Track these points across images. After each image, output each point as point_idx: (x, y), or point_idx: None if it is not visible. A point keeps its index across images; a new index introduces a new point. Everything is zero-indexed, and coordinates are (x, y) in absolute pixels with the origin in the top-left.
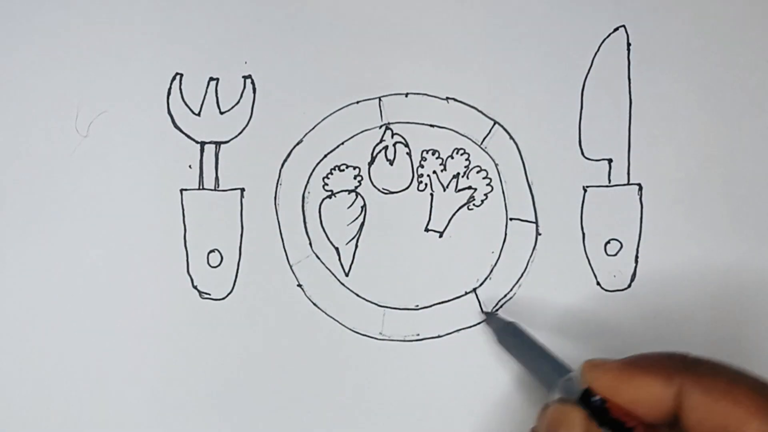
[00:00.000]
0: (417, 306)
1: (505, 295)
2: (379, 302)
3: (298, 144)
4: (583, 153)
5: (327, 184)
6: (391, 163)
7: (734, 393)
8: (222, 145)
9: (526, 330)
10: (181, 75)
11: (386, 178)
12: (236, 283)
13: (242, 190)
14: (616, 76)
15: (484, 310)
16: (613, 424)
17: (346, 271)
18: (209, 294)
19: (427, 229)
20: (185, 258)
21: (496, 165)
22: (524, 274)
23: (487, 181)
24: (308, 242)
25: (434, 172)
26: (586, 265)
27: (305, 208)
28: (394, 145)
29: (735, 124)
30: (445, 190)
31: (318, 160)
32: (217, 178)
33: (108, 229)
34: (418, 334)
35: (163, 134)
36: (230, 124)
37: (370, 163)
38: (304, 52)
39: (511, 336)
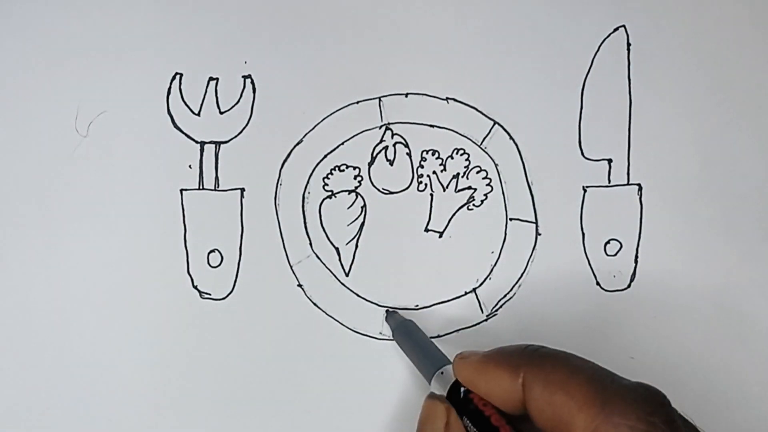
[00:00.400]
0: (417, 306)
1: (505, 295)
2: (379, 302)
3: (298, 144)
4: (583, 153)
5: (327, 185)
6: (391, 163)
7: (569, 386)
8: (222, 145)
9: (421, 329)
10: (181, 75)
11: (386, 178)
12: (236, 283)
13: (242, 190)
14: (616, 76)
15: (387, 308)
16: (473, 415)
17: (346, 271)
18: (209, 294)
19: (427, 229)
20: (185, 258)
21: (496, 165)
22: (524, 274)
23: (487, 181)
24: (308, 242)
25: (434, 172)
26: (586, 265)
27: (305, 208)
28: (394, 145)
29: (735, 124)
30: (445, 191)
31: (318, 160)
32: (217, 178)
33: (108, 229)
34: None
35: (163, 134)
36: (230, 124)
37: (370, 164)
38: (304, 52)
39: (403, 333)
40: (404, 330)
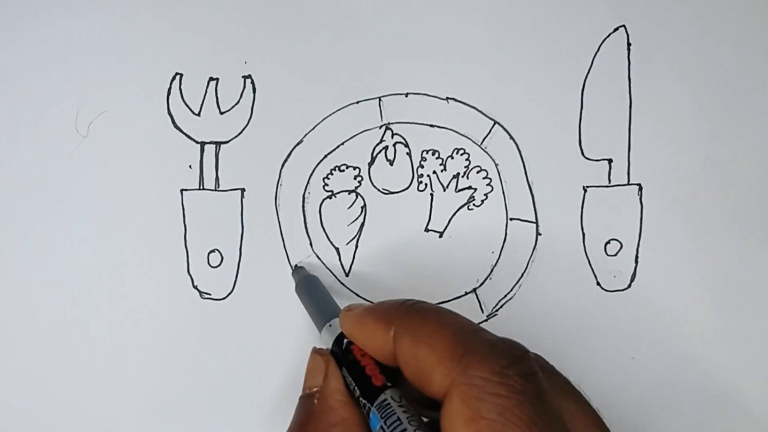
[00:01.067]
0: None
1: (505, 295)
2: None
3: (298, 144)
4: (583, 153)
5: (327, 185)
6: (391, 163)
7: (433, 339)
8: (222, 145)
9: (322, 284)
10: (181, 75)
11: (386, 178)
12: (236, 283)
13: (242, 190)
14: (616, 76)
15: (294, 263)
16: (351, 365)
17: (347, 271)
18: (209, 294)
19: (427, 230)
20: (185, 258)
21: (496, 165)
22: (524, 274)
23: (487, 181)
24: (309, 242)
25: (434, 172)
26: (586, 265)
27: (305, 209)
28: (394, 145)
29: (735, 124)
30: (445, 190)
31: (318, 161)
32: (217, 178)
33: (108, 229)
34: None
35: (163, 134)
36: (230, 124)
37: (370, 164)
38: (304, 52)
39: (304, 287)
40: (306, 284)
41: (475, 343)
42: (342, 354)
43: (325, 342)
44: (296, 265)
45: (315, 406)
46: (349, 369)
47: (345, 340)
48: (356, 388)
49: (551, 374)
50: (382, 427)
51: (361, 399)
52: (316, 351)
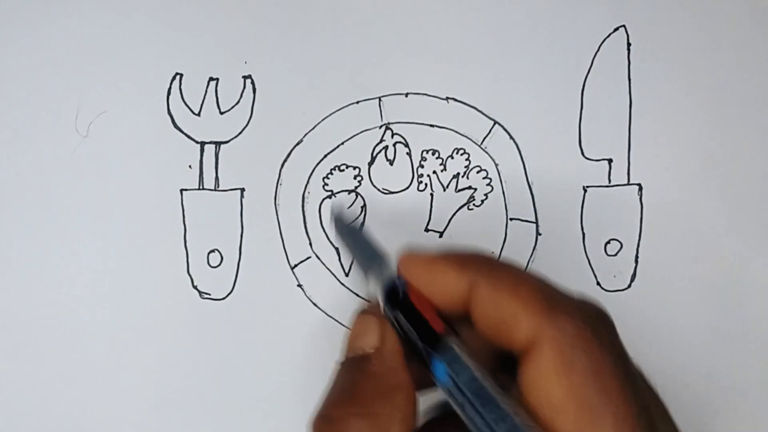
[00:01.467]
0: None
1: None
2: None
3: (298, 144)
4: (583, 153)
5: (327, 184)
6: (391, 163)
7: (517, 288)
8: (222, 145)
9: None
10: (181, 75)
11: (386, 178)
12: (236, 283)
13: (242, 190)
14: (616, 76)
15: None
16: (409, 312)
17: (346, 271)
18: (209, 294)
19: (427, 229)
20: (185, 258)
21: (496, 165)
22: None
23: (487, 181)
24: (308, 242)
25: (434, 172)
26: (586, 265)
27: (305, 208)
28: (394, 145)
29: (735, 124)
30: (445, 190)
31: (318, 160)
32: (217, 178)
33: (108, 229)
34: None
35: (163, 134)
36: (230, 124)
37: (370, 163)
38: (304, 52)
39: (348, 228)
40: (348, 226)
41: (561, 296)
42: (396, 301)
43: (372, 289)
44: (334, 201)
45: (373, 366)
46: (406, 315)
47: (401, 286)
48: (414, 334)
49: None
50: (450, 375)
51: (421, 344)
52: (365, 311)
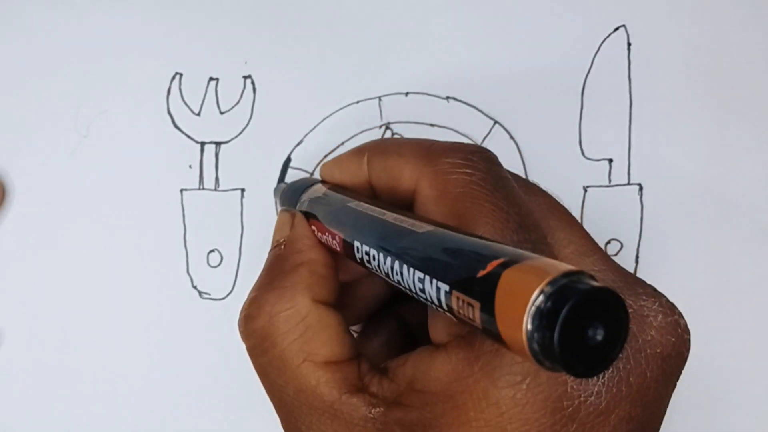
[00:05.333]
0: None
1: None
2: None
3: (298, 144)
4: (583, 153)
5: None
6: None
7: (400, 148)
8: (222, 145)
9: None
10: (181, 75)
11: None
12: (236, 283)
13: (242, 190)
14: (616, 76)
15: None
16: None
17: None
18: (209, 294)
19: None
20: (185, 258)
21: None
22: None
23: None
24: None
25: None
26: None
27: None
28: None
29: (735, 124)
30: None
31: (318, 161)
32: (217, 178)
33: (108, 229)
34: None
35: (163, 134)
36: (230, 124)
37: None
38: (304, 52)
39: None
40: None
41: (439, 143)
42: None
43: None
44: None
45: (281, 251)
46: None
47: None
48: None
49: (517, 175)
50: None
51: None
52: (284, 209)
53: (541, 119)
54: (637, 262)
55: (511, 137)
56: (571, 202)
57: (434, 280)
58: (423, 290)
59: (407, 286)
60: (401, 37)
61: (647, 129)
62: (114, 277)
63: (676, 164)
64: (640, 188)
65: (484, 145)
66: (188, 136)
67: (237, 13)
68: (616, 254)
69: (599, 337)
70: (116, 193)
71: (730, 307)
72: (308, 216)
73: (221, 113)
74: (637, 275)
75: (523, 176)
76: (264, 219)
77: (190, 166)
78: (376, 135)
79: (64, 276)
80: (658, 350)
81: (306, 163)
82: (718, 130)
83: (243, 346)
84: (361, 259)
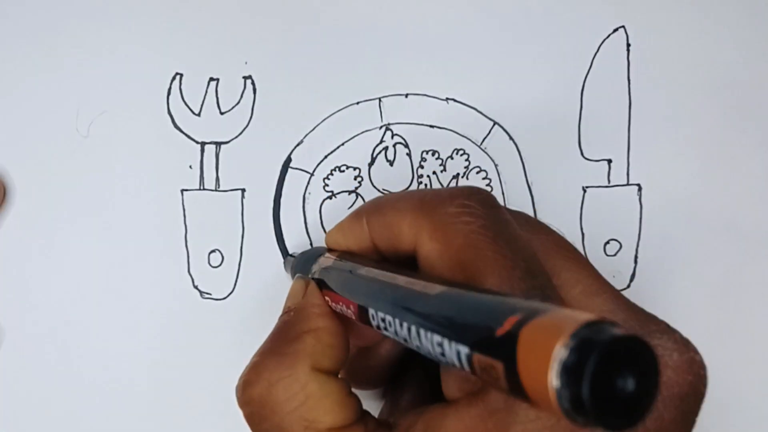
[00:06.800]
0: None
1: None
2: None
3: (298, 144)
4: (582, 153)
5: (327, 185)
6: (391, 163)
7: (397, 203)
8: (222, 146)
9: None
10: (181, 75)
11: (386, 178)
12: (237, 283)
13: (243, 190)
14: (616, 76)
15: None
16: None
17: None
18: (210, 294)
19: None
20: (186, 258)
21: (496, 165)
22: None
23: (487, 181)
24: (309, 242)
25: (434, 172)
26: None
27: (306, 209)
28: (394, 145)
29: (735, 125)
30: None
31: (318, 161)
32: (217, 178)
33: (108, 229)
34: None
35: (163, 134)
36: (230, 125)
37: (371, 164)
38: (304, 52)
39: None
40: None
41: (434, 192)
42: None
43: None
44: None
45: (289, 317)
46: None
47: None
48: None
49: (518, 213)
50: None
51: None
52: (298, 277)
53: (541, 120)
54: (636, 262)
55: (511, 138)
56: (570, 202)
57: (453, 343)
58: (443, 354)
59: (427, 350)
60: (401, 38)
61: (647, 129)
62: (115, 277)
63: (676, 164)
64: (639, 188)
65: (483, 145)
66: (188, 137)
67: (237, 13)
68: (615, 254)
69: (630, 387)
70: (116, 194)
71: (729, 307)
72: (322, 285)
73: (221, 113)
74: (636, 275)
75: (523, 177)
76: (264, 219)
77: (190, 167)
78: (376, 135)
79: (64, 276)
80: (675, 390)
81: (306, 163)
82: (717, 131)
83: (244, 345)
84: (378, 325)
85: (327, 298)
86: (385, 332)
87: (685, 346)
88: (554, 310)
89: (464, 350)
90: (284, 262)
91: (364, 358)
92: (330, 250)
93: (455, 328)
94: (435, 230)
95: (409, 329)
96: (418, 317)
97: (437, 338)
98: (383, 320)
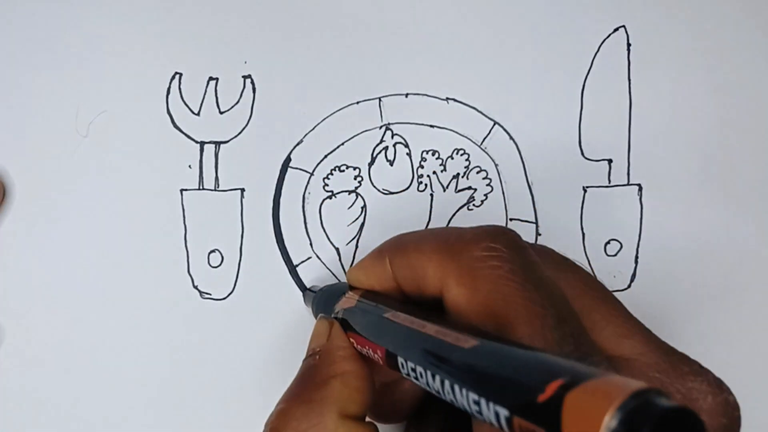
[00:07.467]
0: None
1: None
2: None
3: (298, 144)
4: (583, 153)
5: (327, 185)
6: (391, 163)
7: (421, 244)
8: (222, 145)
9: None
10: (181, 74)
11: (386, 178)
12: (237, 283)
13: (242, 190)
14: (616, 76)
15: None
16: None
17: (347, 271)
18: (210, 294)
19: None
20: (186, 258)
21: (496, 165)
22: None
23: (487, 181)
24: (309, 242)
25: (434, 172)
26: (586, 265)
27: (306, 209)
28: (394, 145)
29: (735, 124)
30: (445, 191)
31: (318, 161)
32: (217, 178)
33: (108, 229)
34: None
35: (163, 134)
36: (230, 124)
37: (371, 164)
38: (304, 52)
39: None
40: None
41: (458, 233)
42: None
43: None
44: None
45: (315, 360)
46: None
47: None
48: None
49: (544, 251)
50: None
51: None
52: (322, 316)
53: (541, 120)
54: (636, 262)
55: (511, 138)
56: (570, 202)
57: (491, 404)
58: (480, 412)
59: (462, 406)
60: (401, 38)
61: (647, 129)
62: (114, 277)
63: (676, 165)
64: (640, 188)
65: (483, 145)
66: (188, 136)
67: (237, 13)
68: (615, 254)
69: None
70: (116, 193)
71: (730, 307)
72: (346, 326)
73: (221, 113)
74: (637, 275)
75: (523, 177)
76: (264, 219)
77: (189, 166)
78: (376, 135)
79: (64, 276)
80: None
81: (306, 163)
82: (717, 131)
83: (244, 346)
84: (407, 374)
85: (352, 339)
86: (415, 381)
87: (719, 387)
88: (600, 377)
89: (504, 412)
90: (303, 296)
91: (388, 392)
92: (352, 287)
93: (494, 388)
94: (461, 275)
95: (442, 382)
96: (453, 372)
97: (473, 396)
98: (413, 370)
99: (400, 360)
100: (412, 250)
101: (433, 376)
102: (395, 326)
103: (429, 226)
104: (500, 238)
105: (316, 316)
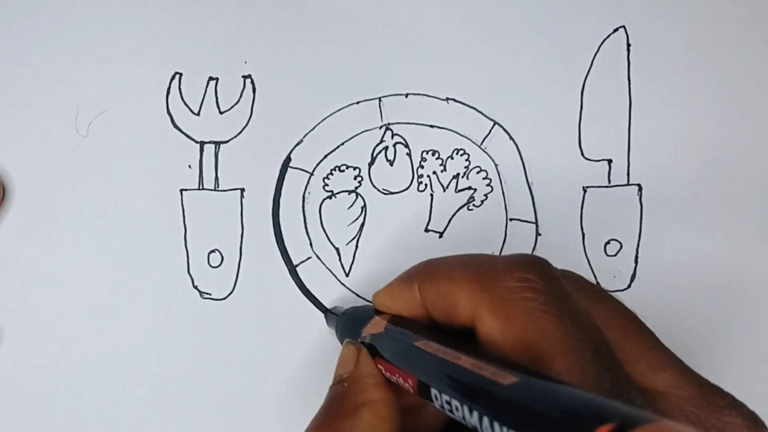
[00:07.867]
0: None
1: None
2: None
3: (298, 144)
4: (583, 153)
5: (327, 185)
6: (391, 163)
7: (451, 272)
8: (221, 145)
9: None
10: (181, 74)
11: (386, 178)
12: (237, 283)
13: (242, 190)
14: (616, 76)
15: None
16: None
17: (347, 271)
18: (210, 294)
19: (427, 230)
20: (186, 258)
21: (496, 165)
22: None
23: (487, 181)
24: (309, 242)
25: (434, 172)
26: (586, 265)
27: (306, 209)
28: (394, 145)
29: (735, 124)
30: (445, 191)
31: (318, 161)
32: (216, 178)
33: (108, 229)
34: None
35: (163, 134)
36: (230, 124)
37: (371, 164)
38: (304, 52)
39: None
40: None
41: (490, 262)
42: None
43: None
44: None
45: (343, 388)
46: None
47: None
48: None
49: (574, 279)
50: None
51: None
52: (349, 341)
53: (541, 120)
54: (636, 262)
55: (511, 138)
56: (570, 202)
57: None
58: None
59: None
60: (401, 38)
61: (647, 129)
62: (115, 277)
63: (676, 164)
64: (640, 189)
65: (483, 145)
66: (188, 136)
67: (237, 13)
68: (615, 254)
69: None
70: (116, 193)
71: (730, 307)
72: (374, 352)
73: (221, 113)
74: (637, 275)
75: (523, 177)
76: (264, 219)
77: (189, 166)
78: (376, 135)
79: (64, 276)
80: None
81: (306, 163)
82: (717, 131)
83: (244, 346)
84: (442, 406)
85: (380, 366)
86: (449, 413)
87: (753, 421)
88: (652, 421)
89: None
90: (326, 318)
91: (413, 417)
92: (378, 312)
93: (539, 427)
94: (495, 306)
95: (480, 418)
96: (492, 408)
97: None
98: (448, 402)
99: (434, 392)
100: (442, 277)
101: (470, 411)
102: (428, 356)
103: (429, 226)
104: (533, 268)
105: (340, 340)
